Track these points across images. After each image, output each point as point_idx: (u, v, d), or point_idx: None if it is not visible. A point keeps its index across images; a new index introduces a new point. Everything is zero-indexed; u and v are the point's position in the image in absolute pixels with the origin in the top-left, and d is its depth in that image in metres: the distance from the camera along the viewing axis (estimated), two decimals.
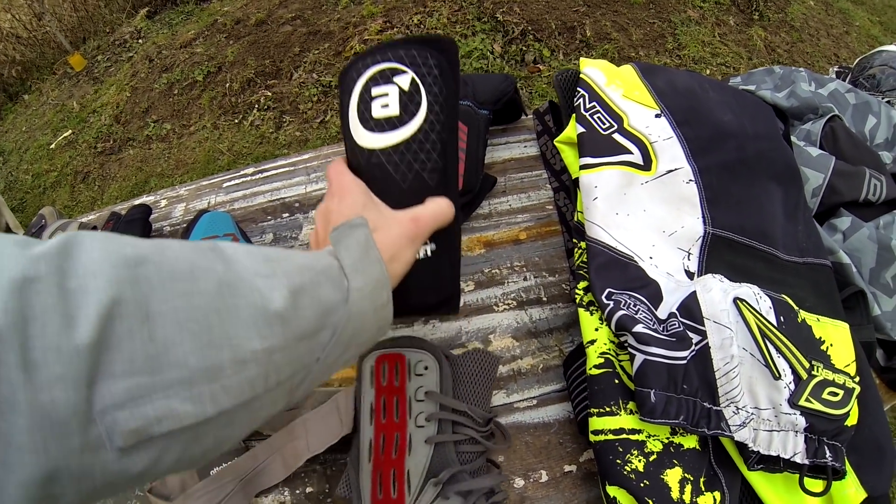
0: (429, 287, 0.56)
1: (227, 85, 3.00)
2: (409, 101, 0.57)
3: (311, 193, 0.95)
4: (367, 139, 0.57)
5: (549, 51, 2.81)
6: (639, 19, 3.10)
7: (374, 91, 0.58)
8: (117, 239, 0.31)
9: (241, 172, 1.04)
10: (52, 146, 3.27)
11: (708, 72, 2.95)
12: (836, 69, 1.28)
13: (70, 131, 3.30)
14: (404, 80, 0.58)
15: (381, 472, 0.60)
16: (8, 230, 2.09)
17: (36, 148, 3.34)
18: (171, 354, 0.29)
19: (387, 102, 0.57)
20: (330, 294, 0.41)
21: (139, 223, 0.95)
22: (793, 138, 0.89)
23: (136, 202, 1.05)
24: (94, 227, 1.02)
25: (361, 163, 0.58)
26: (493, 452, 0.67)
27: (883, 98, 1.07)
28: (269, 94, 2.90)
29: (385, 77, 0.58)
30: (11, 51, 3.95)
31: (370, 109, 0.57)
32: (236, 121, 2.91)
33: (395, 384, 0.65)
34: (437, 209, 0.54)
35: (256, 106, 2.90)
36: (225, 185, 1.03)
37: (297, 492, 0.69)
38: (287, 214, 0.93)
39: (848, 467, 0.62)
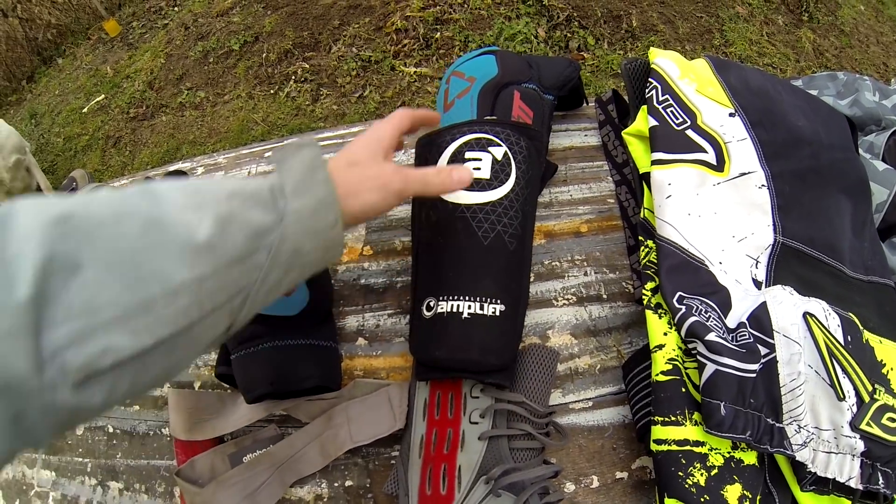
0: (493, 348, 0.58)
1: (264, 55, 2.99)
2: (500, 170, 0.66)
3: None
4: (454, 195, 0.65)
5: (594, 39, 2.77)
6: (686, 12, 3.03)
7: (469, 154, 0.67)
8: (46, 201, 0.34)
9: (282, 143, 1.01)
10: (85, 110, 3.30)
11: None
12: None
13: (103, 96, 3.32)
14: (498, 152, 0.67)
15: (431, 467, 0.58)
16: (38, 191, 2.12)
17: (68, 111, 3.37)
18: (103, 296, 0.33)
19: (479, 166, 0.65)
20: (260, 216, 0.42)
21: None
22: (860, 151, 0.85)
23: (172, 168, 1.03)
24: None
25: (443, 215, 0.65)
26: (549, 452, 0.64)
27: None
28: (307, 66, 2.87)
29: (481, 145, 0.67)
30: (46, 14, 3.95)
31: None
32: (272, 91, 2.89)
33: (450, 381, 0.63)
34: (429, 172, 0.57)
35: (293, 77, 2.88)
36: (266, 154, 1.01)
37: (336, 484, 0.68)
38: None
39: None
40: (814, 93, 0.96)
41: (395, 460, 0.65)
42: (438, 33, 2.75)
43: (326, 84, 2.83)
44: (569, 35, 2.76)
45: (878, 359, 0.60)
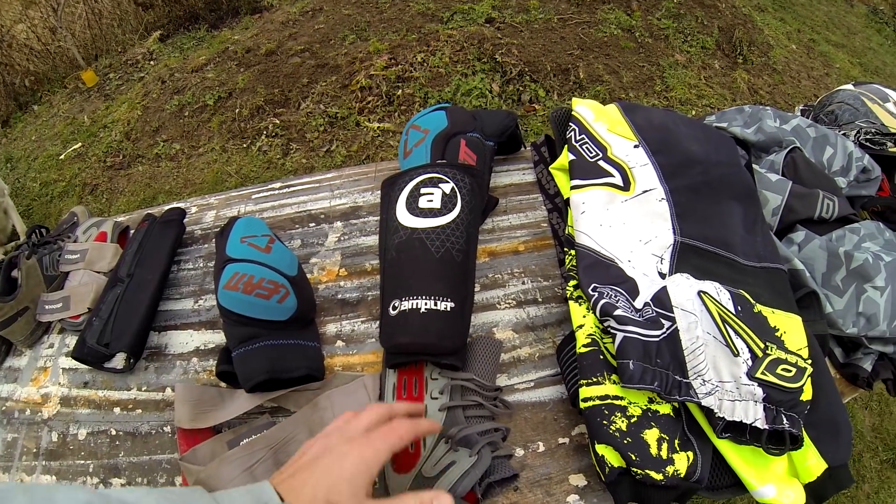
0: (446, 334, 0.72)
1: (237, 111, 3.10)
2: (448, 201, 0.82)
3: (335, 207, 1.07)
4: (412, 221, 0.81)
5: (544, 91, 2.96)
6: (629, 63, 3.26)
7: (423, 190, 0.84)
8: (39, 490, 0.38)
9: (269, 186, 1.16)
10: (62, 157, 3.33)
11: (693, 112, 3.10)
12: (801, 108, 1.40)
13: (80, 144, 3.37)
14: (447, 187, 0.84)
15: None
16: (14, 234, 2.12)
17: (45, 157, 3.39)
18: None
19: (431, 199, 0.83)
20: None
21: (175, 224, 1.06)
22: (755, 166, 1.00)
23: (171, 206, 1.14)
24: (127, 228, 1.13)
25: (404, 238, 0.80)
26: (499, 421, 0.77)
27: (840, 131, 1.19)
28: (277, 121, 3.00)
29: (433, 182, 0.85)
30: (25, 61, 4.02)
31: (418, 202, 0.83)
32: (244, 145, 3.00)
33: (413, 368, 0.77)
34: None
35: (265, 132, 3.00)
36: (254, 196, 1.14)
37: None
38: (313, 224, 1.05)
39: (807, 441, 0.72)
40: (724, 124, 1.15)
41: None
42: (400, 90, 2.91)
43: (296, 139, 2.95)
44: (521, 88, 2.95)
45: (772, 325, 0.74)
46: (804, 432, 0.71)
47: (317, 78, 3.09)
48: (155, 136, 3.20)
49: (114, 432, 0.87)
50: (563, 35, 3.29)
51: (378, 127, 2.84)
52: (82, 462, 0.85)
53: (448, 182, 0.84)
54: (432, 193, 0.83)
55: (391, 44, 3.12)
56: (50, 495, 0.37)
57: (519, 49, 3.06)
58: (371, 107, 2.91)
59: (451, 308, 0.74)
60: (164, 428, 0.85)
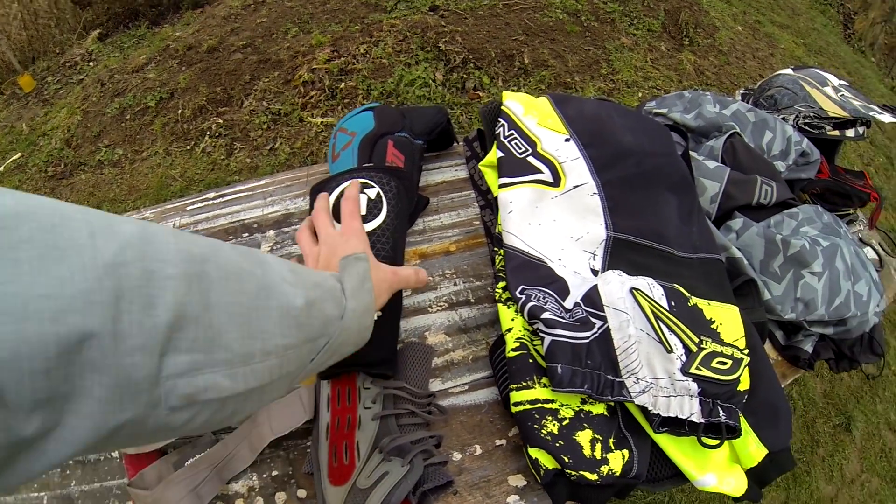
0: (373, 344, 0.69)
1: (179, 111, 3.03)
2: (374, 207, 0.81)
3: (268, 215, 1.05)
4: (338, 227, 0.76)
5: (488, 78, 2.97)
6: (575, 47, 3.27)
7: None
8: (183, 235, 0.37)
9: (203, 197, 1.13)
10: (1, 169, 3.21)
11: (640, 94, 3.14)
12: (742, 91, 1.43)
13: (19, 154, 3.25)
14: (372, 192, 0.82)
15: (335, 445, 0.71)
16: None
17: None
18: (221, 339, 0.37)
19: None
20: (332, 309, 0.51)
21: None
22: (692, 153, 1.01)
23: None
24: None
25: None
26: (434, 428, 0.78)
27: (779, 115, 1.22)
28: (221, 121, 2.95)
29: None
30: None
31: None
32: (188, 147, 2.94)
33: (346, 378, 0.76)
34: (411, 273, 0.72)
35: (208, 133, 2.94)
36: (188, 207, 1.11)
37: (265, 475, 0.77)
38: (247, 234, 1.03)
39: (747, 427, 0.74)
40: (664, 110, 1.16)
41: (310, 448, 0.78)
42: (343, 83, 2.88)
43: (240, 138, 2.91)
44: (465, 76, 2.94)
45: (708, 317, 0.75)
46: (744, 420, 0.73)
47: (259, 74, 3.04)
48: (97, 142, 3.12)
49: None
50: (508, 21, 3.29)
51: (321, 122, 2.82)
52: (36, 494, 0.83)
53: (373, 187, 0.83)
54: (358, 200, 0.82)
55: (334, 36, 3.09)
56: None
57: (463, 36, 3.05)
58: (314, 101, 2.88)
59: (378, 317, 0.73)
60: (112, 453, 0.84)
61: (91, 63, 3.81)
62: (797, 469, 2.36)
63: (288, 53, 3.06)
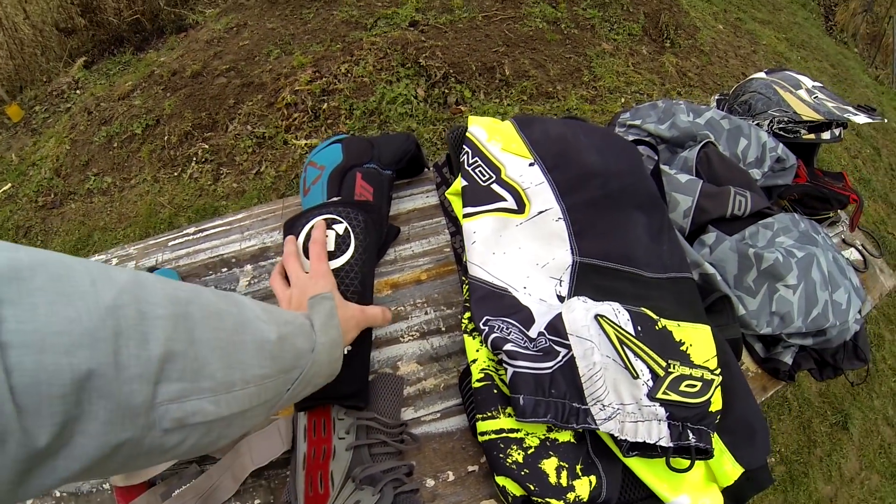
0: (343, 380, 0.73)
1: (166, 138, 3.05)
2: (342, 242, 0.84)
3: (245, 249, 1.07)
4: (307, 265, 0.80)
5: (470, 92, 2.99)
6: (556, 55, 3.29)
7: None
8: (168, 281, 0.44)
9: (184, 232, 1.15)
10: None
11: (623, 100, 3.16)
12: (717, 97, 1.43)
13: (10, 184, 3.26)
14: (340, 228, 0.84)
15: (311, 475, 0.73)
16: None
17: None
18: (206, 370, 0.42)
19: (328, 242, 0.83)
20: (303, 343, 0.57)
21: None
22: (663, 168, 1.01)
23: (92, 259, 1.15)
24: None
25: None
26: (408, 456, 0.80)
27: (754, 121, 1.23)
28: (206, 146, 2.97)
29: (327, 224, 0.84)
30: None
31: None
32: (175, 174, 2.96)
33: (322, 410, 0.79)
34: (378, 312, 0.78)
35: (194, 158, 2.96)
36: (170, 243, 1.13)
37: None
38: (225, 269, 1.05)
39: (722, 447, 0.74)
40: (637, 121, 1.16)
41: (289, 477, 0.80)
42: (325, 104, 2.90)
43: (226, 163, 2.93)
44: (446, 91, 2.97)
45: (677, 339, 0.75)
46: (718, 439, 0.73)
47: (243, 98, 3.05)
48: (85, 171, 3.13)
49: (58, 494, 0.86)
50: (488, 33, 3.30)
51: (305, 144, 2.84)
52: None
53: (342, 222, 0.85)
54: (327, 236, 0.84)
55: (315, 56, 3.10)
56: None
57: (443, 51, 3.07)
58: (297, 123, 2.90)
59: (348, 352, 0.76)
60: (104, 485, 0.86)
61: (78, 91, 3.83)
62: (795, 471, 2.37)
63: (270, 76, 3.08)
